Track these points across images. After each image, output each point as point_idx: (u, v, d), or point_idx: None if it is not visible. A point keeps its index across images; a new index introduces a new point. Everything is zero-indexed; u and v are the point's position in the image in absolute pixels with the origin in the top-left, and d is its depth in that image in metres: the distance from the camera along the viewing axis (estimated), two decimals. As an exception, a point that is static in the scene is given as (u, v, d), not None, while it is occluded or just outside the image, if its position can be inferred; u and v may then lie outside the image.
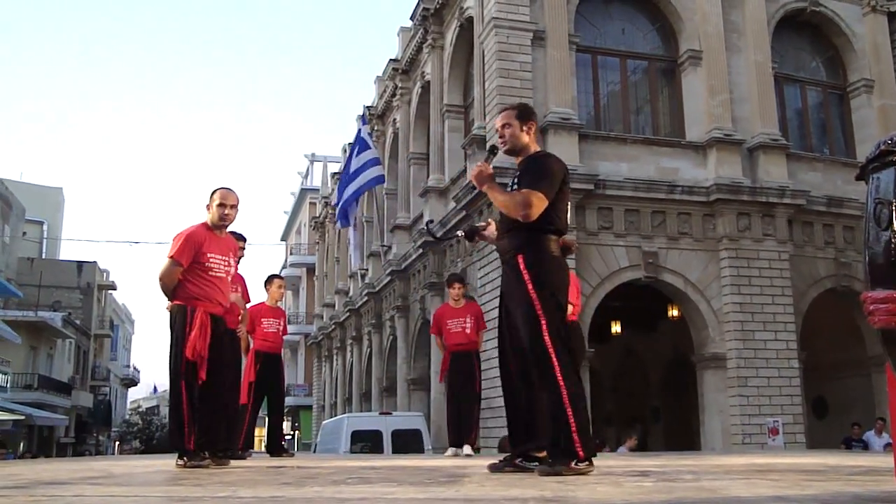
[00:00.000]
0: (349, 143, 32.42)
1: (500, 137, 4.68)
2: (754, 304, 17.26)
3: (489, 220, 5.06)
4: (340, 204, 24.73)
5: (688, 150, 18.18)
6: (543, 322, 4.21)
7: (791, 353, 17.33)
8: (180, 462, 5.62)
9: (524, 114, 4.68)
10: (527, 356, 4.31)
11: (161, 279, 5.87)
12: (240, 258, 7.58)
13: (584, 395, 4.23)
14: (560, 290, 4.38)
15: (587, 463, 4.04)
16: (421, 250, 21.83)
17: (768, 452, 13.17)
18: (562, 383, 4.12)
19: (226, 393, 6.37)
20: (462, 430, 8.93)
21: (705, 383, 17.57)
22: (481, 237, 4.98)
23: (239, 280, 8.55)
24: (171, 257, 5.84)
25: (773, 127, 18.44)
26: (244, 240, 7.84)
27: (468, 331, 9.03)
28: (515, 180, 4.53)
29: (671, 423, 24.55)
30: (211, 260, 5.92)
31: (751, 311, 17.23)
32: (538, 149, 4.70)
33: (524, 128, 4.62)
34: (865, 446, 15.99)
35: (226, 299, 6.13)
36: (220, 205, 6.00)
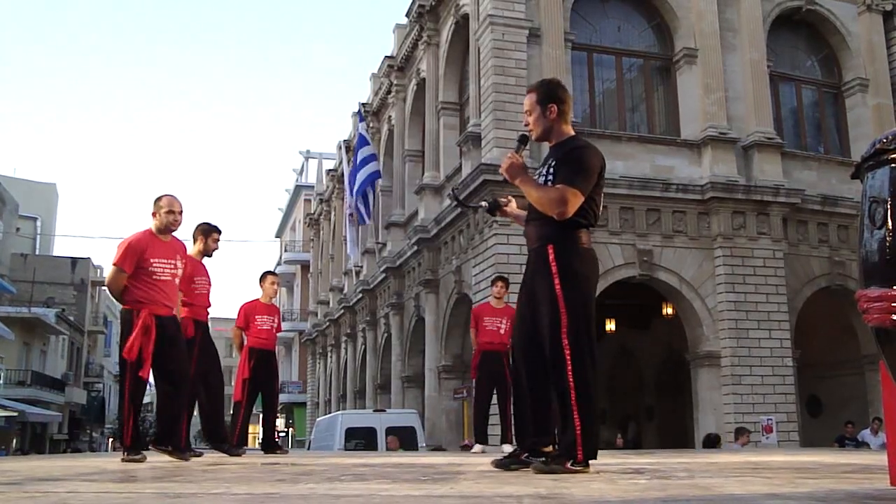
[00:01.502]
0: (344, 140, 32.44)
1: (526, 125, 4.43)
2: (749, 303, 17.30)
3: (509, 196, 4.81)
4: (355, 205, 24.66)
5: (683, 149, 18.19)
6: (564, 319, 4.07)
7: (785, 352, 17.38)
8: (127, 459, 5.85)
9: (544, 96, 4.36)
10: (543, 350, 4.18)
11: (108, 286, 6.35)
12: (214, 250, 7.81)
13: (594, 397, 4.10)
14: (589, 284, 4.24)
15: (584, 465, 3.97)
16: (415, 248, 21.82)
17: (762, 450, 13.21)
18: (571, 383, 4.01)
19: (185, 388, 6.56)
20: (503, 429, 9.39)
21: (699, 381, 17.60)
22: (503, 213, 4.76)
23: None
24: (115, 265, 6.18)
25: (767, 125, 18.47)
26: (219, 231, 7.86)
27: (502, 332, 9.25)
28: (550, 169, 4.27)
29: (665, 422, 24.58)
30: (155, 265, 6.21)
31: (745, 309, 17.26)
32: (571, 132, 4.40)
33: (546, 112, 4.32)
34: (858, 444, 16.01)
35: (172, 301, 6.41)
36: (170, 211, 6.33)
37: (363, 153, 24.08)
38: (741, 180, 17.73)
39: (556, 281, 4.13)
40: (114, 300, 7.16)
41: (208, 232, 7.78)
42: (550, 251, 4.18)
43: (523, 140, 4.43)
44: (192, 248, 7.64)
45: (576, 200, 4.08)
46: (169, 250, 6.35)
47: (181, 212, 6.40)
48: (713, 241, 17.54)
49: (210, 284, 7.83)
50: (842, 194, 18.27)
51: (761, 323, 17.29)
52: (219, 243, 7.86)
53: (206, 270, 7.79)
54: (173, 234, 6.47)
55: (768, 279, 17.53)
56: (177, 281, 6.44)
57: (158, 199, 6.38)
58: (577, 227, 4.19)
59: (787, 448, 15.19)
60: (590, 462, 4.03)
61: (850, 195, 17.78)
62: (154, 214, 6.35)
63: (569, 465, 3.93)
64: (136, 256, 6.13)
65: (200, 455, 6.61)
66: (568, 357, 4.04)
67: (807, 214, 18.48)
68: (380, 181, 25.48)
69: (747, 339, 17.16)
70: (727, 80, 18.42)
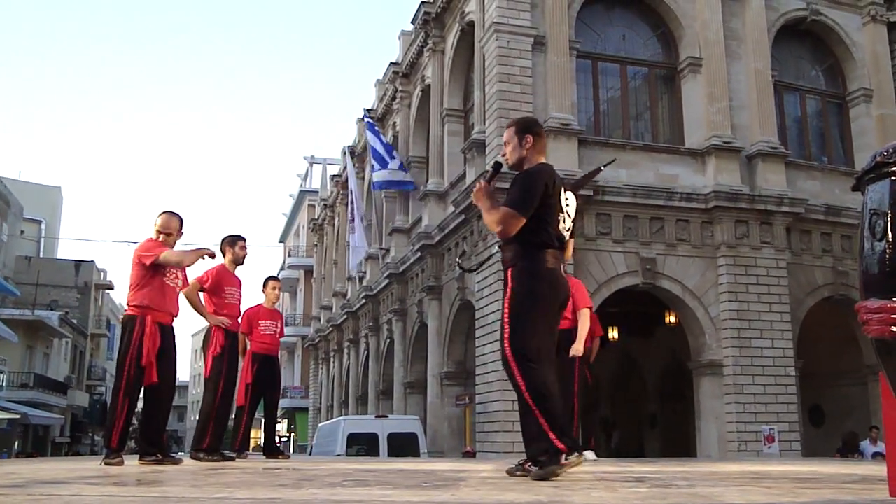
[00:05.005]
0: (349, 146, 32.49)
1: (503, 155, 4.78)
2: (751, 312, 17.27)
3: None
4: (381, 181, 24.26)
5: (687, 157, 18.20)
6: (507, 332, 4.32)
7: (788, 361, 17.34)
8: (108, 461, 6.03)
9: (522, 128, 4.71)
10: None
11: (170, 258, 6.40)
12: (243, 257, 8.09)
13: (550, 392, 4.22)
14: (537, 302, 4.38)
15: (576, 455, 4.11)
16: (419, 254, 21.84)
17: (764, 460, 13.19)
18: (523, 388, 4.21)
19: (171, 398, 6.85)
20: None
21: (702, 390, 17.58)
22: None
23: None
24: (144, 251, 6.42)
25: (772, 135, 18.47)
26: (244, 239, 8.17)
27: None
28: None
29: (667, 430, 24.55)
30: (166, 270, 6.51)
31: (748, 318, 17.23)
32: (536, 161, 4.65)
33: (522, 142, 4.64)
34: (860, 455, 16.00)
35: (175, 310, 6.68)
36: (168, 234, 6.63)
37: (395, 163, 23.96)
38: (745, 189, 17.73)
39: (506, 297, 4.43)
40: (119, 305, 7.36)
41: (234, 241, 8.08)
42: (509, 273, 4.46)
43: (496, 168, 4.69)
44: (223, 260, 7.97)
45: (514, 221, 4.32)
46: None
47: (176, 232, 6.71)
48: (716, 249, 17.53)
49: (240, 294, 8.04)
50: (845, 204, 18.24)
51: (764, 332, 17.26)
52: (246, 249, 8.13)
53: (237, 281, 8.02)
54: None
55: (771, 288, 17.51)
56: (178, 291, 6.77)
57: (160, 216, 6.71)
58: (532, 246, 4.40)
59: (789, 458, 15.17)
60: (581, 451, 4.18)
61: (853, 205, 17.73)
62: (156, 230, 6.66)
63: (562, 459, 4.05)
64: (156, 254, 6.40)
65: (181, 461, 6.70)
66: (513, 364, 4.26)
67: (810, 224, 18.47)
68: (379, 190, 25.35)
69: (750, 349, 17.13)
70: (731, 89, 18.43)
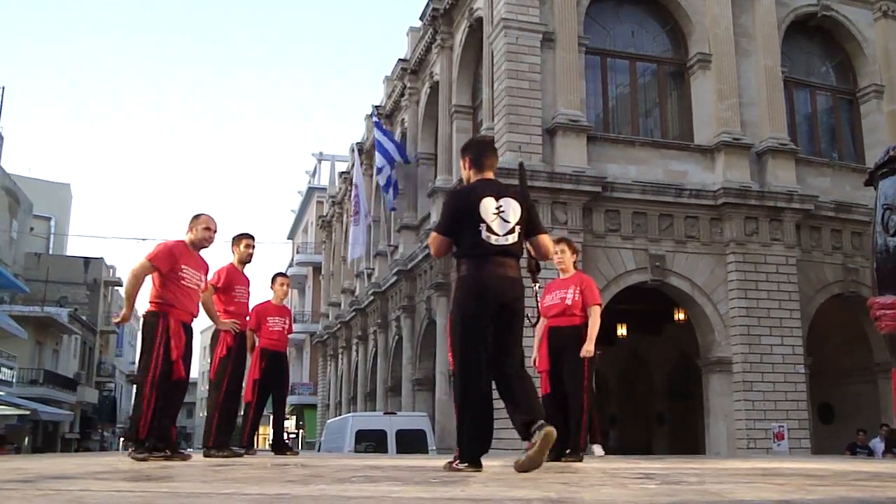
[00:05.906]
0: (357, 143, 32.48)
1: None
2: (761, 309, 17.23)
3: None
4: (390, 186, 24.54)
5: (696, 154, 18.15)
6: (448, 340, 4.68)
7: (797, 359, 17.29)
8: (134, 455, 6.09)
9: (463, 150, 5.00)
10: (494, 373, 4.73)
11: (134, 274, 6.42)
12: (249, 255, 8.15)
13: (472, 404, 4.50)
14: (464, 312, 4.61)
15: (467, 465, 4.42)
16: (427, 250, 21.82)
17: (773, 457, 13.15)
18: (455, 394, 4.61)
19: (183, 395, 6.94)
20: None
21: (711, 387, 17.54)
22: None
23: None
24: (149, 259, 6.43)
25: (781, 131, 18.41)
26: (250, 236, 8.22)
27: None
28: None
29: (676, 427, 24.51)
30: (185, 271, 6.55)
31: (757, 315, 17.19)
32: (475, 179, 4.85)
33: (463, 164, 4.92)
34: (870, 452, 15.94)
35: (195, 310, 6.76)
36: (206, 228, 6.74)
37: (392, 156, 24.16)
38: (754, 186, 17.67)
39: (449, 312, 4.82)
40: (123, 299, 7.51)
41: (239, 239, 8.16)
42: None
43: None
44: (232, 259, 8.10)
45: (436, 241, 4.81)
46: (198, 263, 6.77)
47: (216, 231, 6.81)
48: (726, 246, 17.49)
49: (249, 293, 8.08)
50: (856, 201, 18.19)
51: (773, 329, 17.22)
52: (252, 248, 8.19)
53: (245, 280, 8.09)
54: (201, 252, 6.85)
55: (781, 285, 17.46)
56: (200, 293, 6.84)
57: (197, 216, 6.79)
58: (469, 260, 4.68)
59: (799, 455, 15.13)
60: (480, 461, 4.49)
61: (864, 202, 17.68)
62: (191, 229, 6.74)
63: (454, 463, 4.47)
64: (172, 260, 6.46)
65: (189, 457, 6.74)
66: (453, 370, 4.64)
67: (820, 221, 18.40)
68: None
69: (759, 346, 17.09)
70: (741, 85, 18.37)
